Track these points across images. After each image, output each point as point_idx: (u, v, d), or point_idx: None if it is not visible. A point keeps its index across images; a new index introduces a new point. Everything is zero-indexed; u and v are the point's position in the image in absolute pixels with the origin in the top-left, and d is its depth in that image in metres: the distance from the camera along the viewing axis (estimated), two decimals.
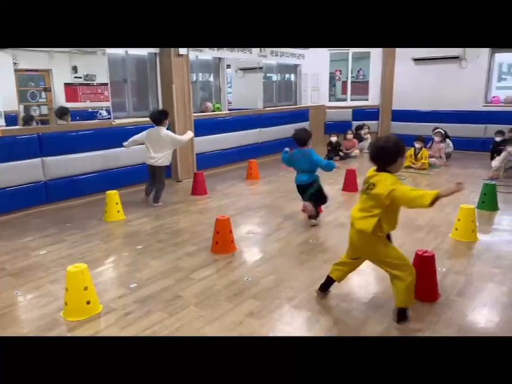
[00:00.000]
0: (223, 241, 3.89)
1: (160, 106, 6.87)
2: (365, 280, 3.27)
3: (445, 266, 3.45)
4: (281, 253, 3.87)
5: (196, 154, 7.20)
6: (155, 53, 6.66)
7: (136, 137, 5.51)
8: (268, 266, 3.59)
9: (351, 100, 10.89)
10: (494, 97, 9.16)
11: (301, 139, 4.62)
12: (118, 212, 4.99)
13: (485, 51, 9.00)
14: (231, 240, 3.94)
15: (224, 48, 7.75)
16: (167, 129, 5.48)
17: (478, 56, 9.11)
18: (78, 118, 6.27)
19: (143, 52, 6.58)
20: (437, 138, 7.81)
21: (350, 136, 9.12)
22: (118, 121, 6.17)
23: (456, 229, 4.09)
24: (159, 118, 5.38)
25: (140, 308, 2.92)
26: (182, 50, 6.57)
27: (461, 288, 3.11)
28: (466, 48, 9.13)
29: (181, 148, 6.85)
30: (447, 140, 8.22)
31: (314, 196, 4.60)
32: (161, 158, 5.36)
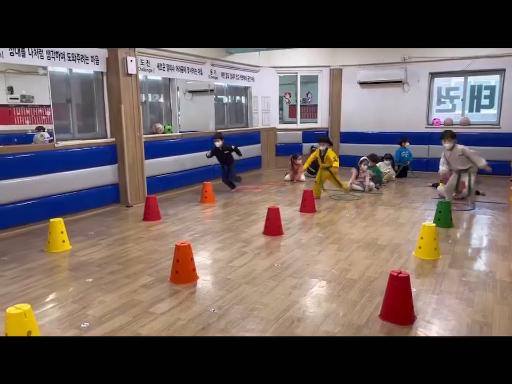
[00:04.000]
0: (184, 270, 3.60)
1: (108, 128, 6.49)
2: (338, 304, 3.13)
3: (415, 286, 3.40)
4: (247, 279, 3.65)
5: (147, 177, 6.85)
6: (102, 72, 6.32)
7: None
8: (234, 295, 3.34)
9: (301, 123, 11.05)
10: (435, 119, 9.66)
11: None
12: (63, 241, 4.53)
13: (425, 76, 9.53)
14: (192, 269, 3.67)
15: (174, 69, 7.57)
16: None
17: (419, 80, 9.62)
18: (15, 140, 5.76)
19: (88, 70, 6.22)
20: (363, 167, 7.72)
21: (299, 161, 8.93)
22: (61, 144, 5.72)
23: (420, 247, 4.10)
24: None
25: None
26: (131, 69, 6.29)
27: (434, 308, 3.05)
28: (408, 73, 9.62)
29: (131, 171, 6.50)
30: (385, 164, 8.46)
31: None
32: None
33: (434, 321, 2.88)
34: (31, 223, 5.28)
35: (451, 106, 9.72)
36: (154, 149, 7.07)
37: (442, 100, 9.78)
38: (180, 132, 8.09)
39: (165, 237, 4.97)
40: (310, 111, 11.86)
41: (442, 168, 6.24)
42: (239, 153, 7.56)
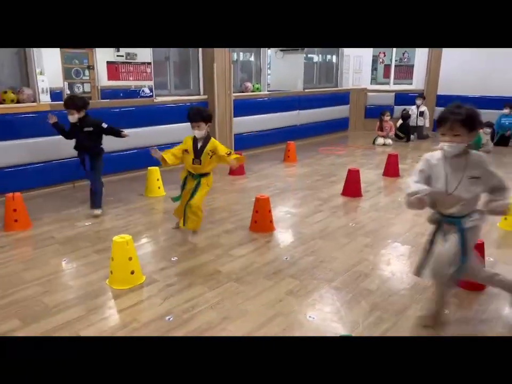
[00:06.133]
0: (262, 220, 3.89)
1: (201, 85, 6.88)
2: (407, 265, 3.20)
3: (493, 256, 3.32)
4: (320, 235, 3.84)
5: (234, 134, 7.20)
6: None
7: None
8: (307, 247, 3.57)
9: (394, 84, 10.53)
10: None
11: None
12: (159, 188, 5.08)
13: None
14: (269, 220, 3.94)
15: None
16: None
17: None
18: (121, 95, 6.39)
19: None
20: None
21: (387, 117, 8.78)
22: (159, 99, 6.23)
23: (505, 218, 3.91)
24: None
25: (181, 281, 2.97)
26: None
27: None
28: None
29: (220, 127, 6.87)
30: (484, 133, 7.72)
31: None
32: None
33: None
34: (132, 170, 5.94)
35: None
36: (243, 107, 7.35)
37: None
38: (268, 91, 8.26)
39: (247, 191, 5.30)
40: (405, 71, 11.22)
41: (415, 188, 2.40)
42: (118, 134, 4.47)
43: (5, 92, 4.83)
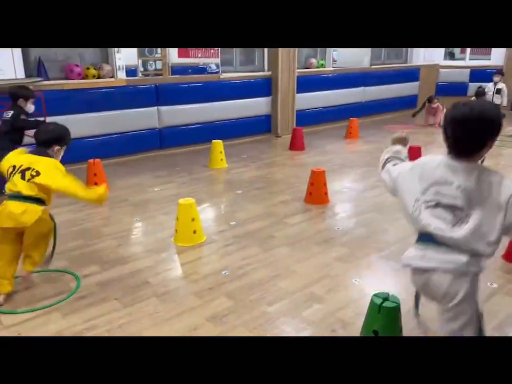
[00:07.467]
0: (316, 192, 4.03)
1: (266, 62, 7.02)
2: None
3: None
4: (375, 208, 3.90)
5: (296, 110, 7.29)
6: None
7: None
8: (359, 219, 3.66)
9: (470, 59, 9.91)
10: None
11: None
12: (221, 160, 5.38)
13: None
14: (324, 192, 4.06)
15: None
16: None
17: None
18: (189, 71, 6.71)
19: None
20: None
21: (435, 105, 8.17)
22: (225, 75, 6.48)
23: None
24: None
25: (238, 242, 3.23)
26: None
27: None
28: None
29: (282, 103, 6.98)
30: None
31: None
32: None
33: None
34: (197, 143, 6.28)
35: None
36: (307, 84, 7.38)
37: None
38: (333, 67, 8.19)
39: (306, 165, 5.42)
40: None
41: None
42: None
43: (88, 68, 5.32)
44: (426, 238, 1.58)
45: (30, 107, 4.00)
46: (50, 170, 2.40)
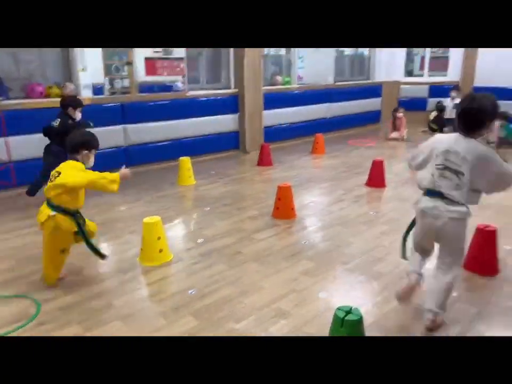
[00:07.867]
0: (284, 207, 4.07)
1: (232, 80, 7.11)
2: None
3: (511, 245, 3.36)
4: (340, 222, 3.98)
5: (264, 127, 7.39)
6: None
7: None
8: (325, 233, 3.72)
9: (430, 76, 10.36)
10: None
11: None
12: (190, 177, 5.37)
13: None
14: (291, 208, 4.11)
15: None
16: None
17: None
18: (155, 89, 6.70)
19: None
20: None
21: (400, 114, 8.46)
22: (192, 93, 6.51)
23: None
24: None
25: (205, 260, 3.22)
26: None
27: None
28: None
29: (250, 120, 7.07)
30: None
31: None
32: None
33: None
34: (165, 160, 6.25)
35: None
36: (273, 100, 7.51)
37: None
38: (299, 84, 8.37)
39: (273, 181, 5.48)
40: (439, 63, 11.00)
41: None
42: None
43: (50, 87, 5.24)
44: (436, 193, 2.21)
45: (78, 115, 4.41)
46: (67, 170, 2.68)
